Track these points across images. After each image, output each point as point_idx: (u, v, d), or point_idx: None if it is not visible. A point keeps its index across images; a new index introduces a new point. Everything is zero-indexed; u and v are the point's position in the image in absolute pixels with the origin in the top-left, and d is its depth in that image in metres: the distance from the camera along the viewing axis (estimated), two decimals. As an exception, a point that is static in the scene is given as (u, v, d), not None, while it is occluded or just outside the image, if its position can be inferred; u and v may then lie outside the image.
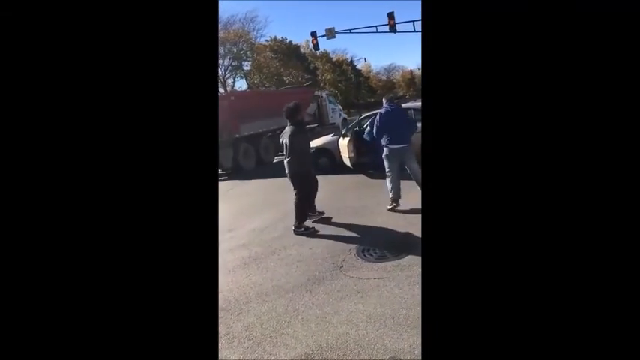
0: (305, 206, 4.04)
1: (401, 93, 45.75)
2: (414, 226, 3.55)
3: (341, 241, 3.53)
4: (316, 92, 11.95)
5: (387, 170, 4.27)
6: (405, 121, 4.36)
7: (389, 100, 4.52)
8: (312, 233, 3.87)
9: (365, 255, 3.11)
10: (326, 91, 15.28)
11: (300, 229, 3.93)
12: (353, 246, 3.34)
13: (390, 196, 4.20)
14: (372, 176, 6.15)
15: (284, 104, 4.08)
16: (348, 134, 6.53)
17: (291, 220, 4.06)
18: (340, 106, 11.68)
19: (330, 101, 11.50)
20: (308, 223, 4.07)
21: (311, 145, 7.49)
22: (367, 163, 6.43)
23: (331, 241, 3.56)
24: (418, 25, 15.74)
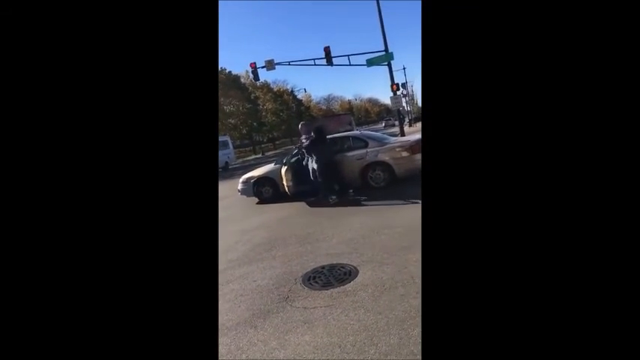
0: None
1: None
2: (356, 251, 3.62)
3: (286, 271, 3.47)
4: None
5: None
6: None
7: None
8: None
9: (311, 284, 3.08)
10: (350, 114, 25.17)
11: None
12: (299, 275, 3.30)
13: None
14: (311, 204, 6.18)
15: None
16: (287, 163, 6.58)
17: (233, 253, 4.01)
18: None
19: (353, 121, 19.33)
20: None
21: (253, 175, 7.49)
22: (305, 191, 6.49)
23: (276, 272, 3.49)
24: (353, 59, 17.38)
